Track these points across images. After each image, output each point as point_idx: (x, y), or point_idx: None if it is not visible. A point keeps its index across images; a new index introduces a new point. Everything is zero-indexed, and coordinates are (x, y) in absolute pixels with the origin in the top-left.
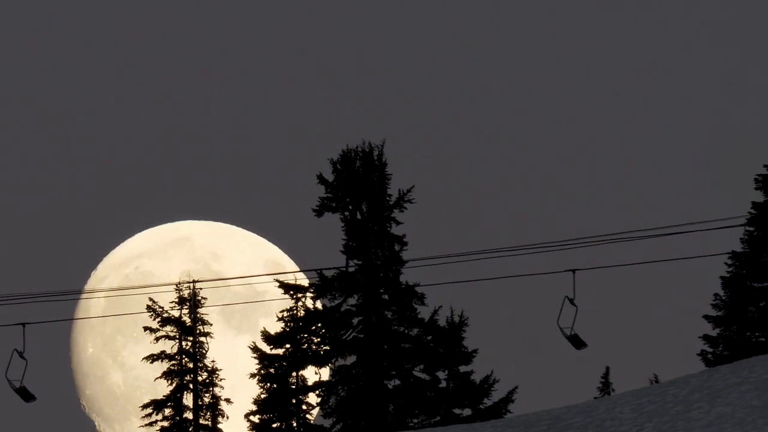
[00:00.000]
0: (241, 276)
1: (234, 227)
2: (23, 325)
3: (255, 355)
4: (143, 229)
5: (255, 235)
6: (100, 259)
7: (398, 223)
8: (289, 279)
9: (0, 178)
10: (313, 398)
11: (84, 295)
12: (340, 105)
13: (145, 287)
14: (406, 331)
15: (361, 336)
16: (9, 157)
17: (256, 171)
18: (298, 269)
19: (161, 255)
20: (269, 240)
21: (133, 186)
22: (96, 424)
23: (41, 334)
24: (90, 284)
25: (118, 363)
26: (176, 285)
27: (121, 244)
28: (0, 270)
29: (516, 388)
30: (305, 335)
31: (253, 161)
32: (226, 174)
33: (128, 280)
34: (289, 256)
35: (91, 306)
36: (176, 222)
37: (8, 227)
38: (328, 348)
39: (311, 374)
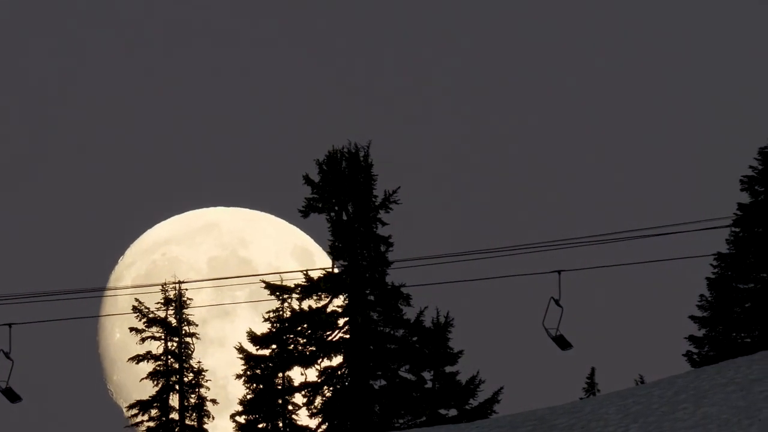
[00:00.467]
0: (240, 276)
1: (261, 213)
2: (9, 325)
3: (241, 356)
4: (170, 216)
5: (283, 221)
6: (128, 245)
7: (384, 224)
8: (275, 280)
9: (23, 167)
10: (299, 399)
11: (108, 286)
12: (325, 105)
13: (136, 287)
14: (391, 332)
15: (347, 337)
16: (34, 145)
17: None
18: (329, 257)
19: (189, 241)
20: (297, 226)
21: (158, 174)
22: (123, 410)
23: (69, 320)
24: (117, 270)
25: (145, 349)
26: (162, 285)
27: (149, 231)
28: (0, 265)
29: (502, 388)
30: (291, 336)
31: (257, 152)
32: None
33: (155, 266)
34: (316, 242)
35: (119, 292)
36: (204, 208)
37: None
38: (314, 349)
39: (297, 375)
